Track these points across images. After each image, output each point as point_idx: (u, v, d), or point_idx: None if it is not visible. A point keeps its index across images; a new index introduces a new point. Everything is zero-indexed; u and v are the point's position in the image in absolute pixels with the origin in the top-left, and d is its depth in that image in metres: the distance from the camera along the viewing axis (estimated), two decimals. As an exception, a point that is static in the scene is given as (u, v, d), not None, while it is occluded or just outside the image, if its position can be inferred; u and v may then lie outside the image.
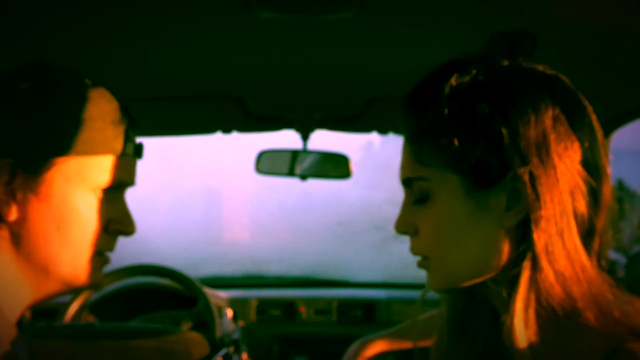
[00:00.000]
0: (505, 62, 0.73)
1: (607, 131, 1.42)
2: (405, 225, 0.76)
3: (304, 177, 1.84)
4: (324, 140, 1.88)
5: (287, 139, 1.82)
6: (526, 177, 0.66)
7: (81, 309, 1.88)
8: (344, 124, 1.73)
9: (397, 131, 1.78)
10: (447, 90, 0.70)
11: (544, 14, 1.01)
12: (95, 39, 1.14)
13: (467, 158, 0.68)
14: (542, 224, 0.66)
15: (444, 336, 0.85)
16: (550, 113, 0.68)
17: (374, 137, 2.11)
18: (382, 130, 1.77)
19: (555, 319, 0.67)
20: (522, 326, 0.67)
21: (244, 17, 1.02)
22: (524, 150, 0.66)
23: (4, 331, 0.70)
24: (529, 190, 0.66)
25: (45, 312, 1.88)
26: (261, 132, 1.78)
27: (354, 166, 1.87)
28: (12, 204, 0.70)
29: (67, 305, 1.84)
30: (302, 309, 2.21)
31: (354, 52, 1.25)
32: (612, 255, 1.82)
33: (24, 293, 0.74)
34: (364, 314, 2.23)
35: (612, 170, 0.74)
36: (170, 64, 1.33)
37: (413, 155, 0.73)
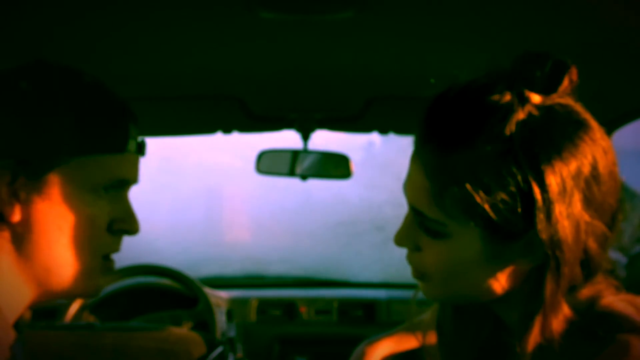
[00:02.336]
0: (539, 99, 0.66)
1: (607, 131, 1.42)
2: (406, 242, 0.74)
3: (304, 177, 1.84)
4: (324, 140, 1.88)
5: (287, 139, 1.82)
6: (549, 241, 0.64)
7: (81, 309, 1.88)
8: (345, 124, 1.72)
9: (397, 131, 1.78)
10: (485, 132, 0.64)
11: (543, 14, 1.01)
12: (95, 39, 1.14)
13: (495, 215, 0.64)
14: (554, 276, 0.65)
15: (444, 332, 0.85)
16: (584, 171, 0.65)
17: (374, 137, 2.11)
18: (383, 130, 1.77)
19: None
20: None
21: (245, 17, 1.02)
22: (553, 214, 0.63)
23: (2, 333, 0.69)
24: (550, 251, 0.64)
25: (45, 312, 1.88)
26: (261, 132, 1.78)
27: (354, 166, 1.87)
28: (15, 204, 0.69)
29: (67, 305, 1.84)
30: (303, 309, 2.21)
31: (355, 52, 1.25)
32: (612, 255, 1.81)
33: (24, 295, 0.73)
34: (365, 314, 2.22)
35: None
36: (170, 64, 1.33)
37: (432, 196, 0.67)
